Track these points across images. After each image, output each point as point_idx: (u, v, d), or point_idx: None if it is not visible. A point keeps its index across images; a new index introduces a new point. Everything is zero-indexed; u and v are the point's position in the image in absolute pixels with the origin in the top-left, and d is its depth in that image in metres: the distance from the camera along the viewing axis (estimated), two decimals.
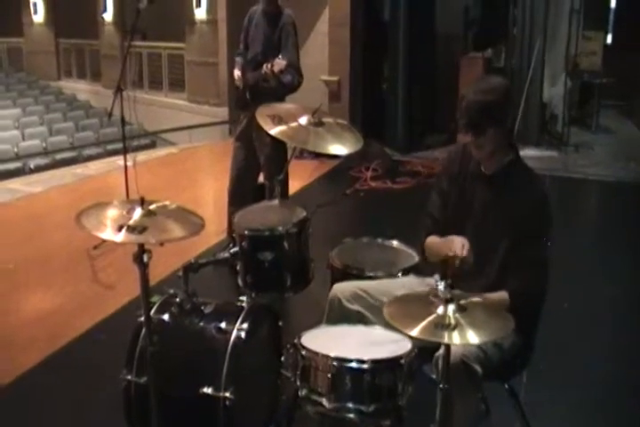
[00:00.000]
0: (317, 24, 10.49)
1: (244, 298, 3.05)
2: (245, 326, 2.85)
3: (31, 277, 5.43)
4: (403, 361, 2.40)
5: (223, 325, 2.88)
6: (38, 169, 12.08)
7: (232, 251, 3.28)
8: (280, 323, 3.21)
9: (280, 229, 3.21)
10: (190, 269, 3.07)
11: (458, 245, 2.71)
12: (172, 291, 3.01)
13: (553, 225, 2.88)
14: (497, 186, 2.88)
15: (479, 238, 2.80)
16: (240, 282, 3.29)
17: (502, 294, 2.76)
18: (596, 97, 10.89)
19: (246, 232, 3.22)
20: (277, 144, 4.90)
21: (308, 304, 3.65)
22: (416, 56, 9.59)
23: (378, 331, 2.65)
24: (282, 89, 5.06)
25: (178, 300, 2.95)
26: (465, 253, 2.67)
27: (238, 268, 3.29)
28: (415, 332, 2.15)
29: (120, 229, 2.37)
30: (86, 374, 3.87)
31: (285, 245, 3.21)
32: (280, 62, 4.92)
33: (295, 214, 3.35)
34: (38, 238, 6.30)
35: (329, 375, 2.39)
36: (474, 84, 2.87)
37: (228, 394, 2.72)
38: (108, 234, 2.38)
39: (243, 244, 3.22)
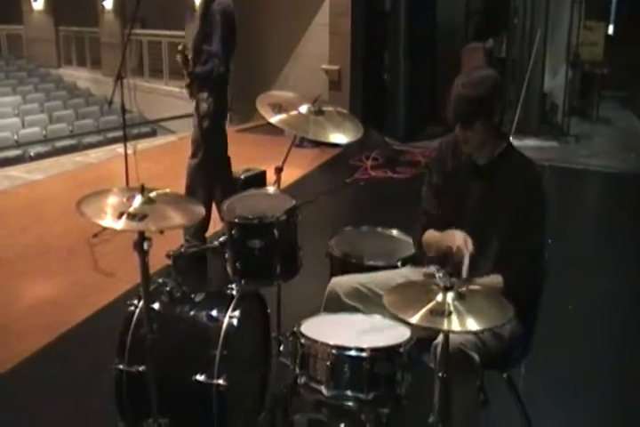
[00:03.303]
0: (318, 13, 10.47)
1: (233, 286, 3.05)
2: (237, 313, 2.85)
3: (31, 264, 5.43)
4: (402, 349, 2.40)
5: (214, 312, 2.88)
6: (38, 157, 12.09)
7: (221, 239, 3.28)
8: (268, 310, 3.21)
9: (269, 216, 3.22)
10: (179, 257, 3.08)
11: (460, 241, 2.71)
12: (160, 280, 3.01)
13: (547, 211, 2.88)
14: (490, 176, 2.88)
15: (476, 229, 2.80)
16: (229, 270, 3.30)
17: (496, 277, 2.77)
18: (597, 87, 10.88)
19: (236, 220, 3.22)
20: (208, 133, 5.13)
21: (306, 293, 3.65)
22: (417, 46, 9.57)
23: (377, 319, 2.65)
24: (203, 80, 5.08)
25: (168, 288, 2.95)
26: (470, 247, 2.68)
27: (227, 256, 3.29)
28: (414, 319, 2.16)
29: (120, 216, 2.38)
30: (86, 362, 3.88)
31: (275, 233, 3.21)
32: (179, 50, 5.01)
33: (284, 202, 3.35)
34: (38, 226, 6.31)
35: (328, 363, 2.39)
36: (463, 76, 2.86)
37: (221, 381, 2.73)
38: (109, 221, 2.39)
39: (232, 232, 3.23)
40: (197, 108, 5.19)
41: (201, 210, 2.62)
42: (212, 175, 5.31)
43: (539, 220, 2.84)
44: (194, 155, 5.30)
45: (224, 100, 5.28)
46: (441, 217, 2.98)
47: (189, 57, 5.04)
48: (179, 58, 5.04)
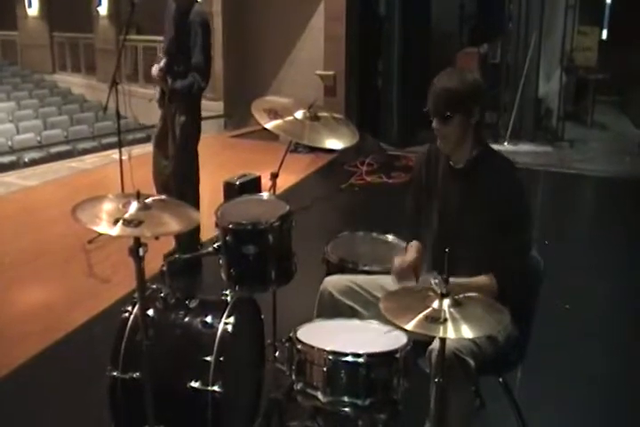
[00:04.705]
0: (313, 18, 10.49)
1: (227, 292, 3.04)
2: (232, 319, 2.85)
3: (25, 270, 5.41)
4: (398, 355, 2.40)
5: (209, 319, 2.88)
6: (33, 163, 12.07)
7: (215, 245, 3.28)
8: (262, 316, 3.21)
9: (263, 222, 3.21)
10: (174, 263, 3.07)
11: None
12: (154, 286, 3.00)
13: (530, 210, 2.91)
14: (469, 179, 2.89)
15: (459, 232, 2.83)
16: (223, 276, 3.29)
17: (488, 278, 2.77)
18: (591, 92, 10.90)
19: (230, 226, 3.21)
20: (185, 149, 5.02)
21: (302, 299, 3.65)
22: (411, 51, 9.58)
23: (373, 325, 2.65)
24: (183, 95, 4.95)
25: (162, 295, 2.94)
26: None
27: (221, 261, 3.29)
28: (410, 326, 2.17)
29: (116, 222, 2.37)
30: (81, 368, 3.87)
31: (269, 238, 3.20)
32: (155, 67, 4.89)
33: (278, 208, 3.35)
34: (33, 232, 6.29)
35: (324, 369, 2.38)
36: (445, 73, 2.88)
37: (216, 388, 2.72)
38: (104, 227, 2.38)
39: (226, 237, 3.22)
40: (173, 121, 5.07)
41: (197, 216, 2.62)
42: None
43: (523, 219, 2.85)
44: (174, 170, 5.19)
45: (199, 112, 5.20)
46: (424, 220, 3.03)
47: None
48: (157, 70, 4.92)
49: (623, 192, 7.80)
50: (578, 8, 10.05)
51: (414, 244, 3.05)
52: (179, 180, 5.16)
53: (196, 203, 5.07)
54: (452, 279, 2.28)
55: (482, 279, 2.76)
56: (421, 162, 3.13)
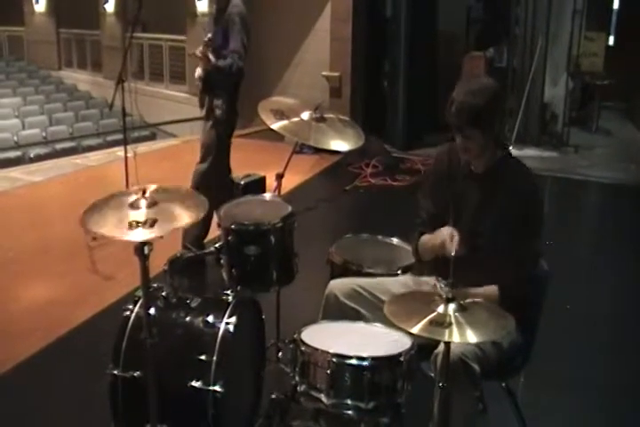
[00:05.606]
0: (319, 20, 10.48)
1: (229, 292, 3.03)
2: (233, 319, 2.84)
3: (30, 266, 5.42)
4: (402, 359, 2.40)
5: (210, 318, 2.86)
6: (38, 158, 12.11)
7: (217, 245, 3.28)
8: (263, 317, 3.21)
9: (266, 223, 3.21)
10: (176, 262, 3.07)
11: (445, 235, 2.74)
12: (156, 285, 2.98)
13: (544, 220, 2.90)
14: (488, 184, 2.88)
15: (473, 237, 2.81)
16: (225, 276, 3.29)
17: (492, 288, 2.77)
18: (597, 98, 10.89)
19: (232, 226, 3.22)
20: (216, 142, 5.10)
21: (306, 300, 3.66)
22: (417, 53, 9.58)
23: (378, 328, 2.65)
24: (224, 75, 5.03)
25: (163, 293, 2.94)
26: (456, 240, 2.69)
27: (222, 261, 3.29)
28: (415, 329, 2.17)
29: (131, 226, 2.32)
30: (84, 364, 3.87)
31: (271, 239, 3.21)
32: (202, 45, 4.98)
33: (281, 209, 3.35)
34: (38, 228, 6.30)
35: (328, 372, 2.38)
36: (464, 84, 2.86)
37: (217, 388, 2.72)
38: (126, 234, 2.31)
39: (229, 238, 3.22)
40: (210, 114, 5.15)
41: (204, 201, 2.60)
42: (218, 180, 5.29)
43: (538, 226, 2.86)
44: (203, 159, 5.27)
45: (236, 106, 5.26)
46: (439, 224, 2.98)
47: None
48: (200, 52, 4.97)
49: (628, 199, 7.79)
50: (585, 13, 10.03)
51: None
52: (203, 171, 5.24)
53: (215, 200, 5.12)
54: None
55: (488, 290, 2.76)
56: (440, 161, 3.08)
